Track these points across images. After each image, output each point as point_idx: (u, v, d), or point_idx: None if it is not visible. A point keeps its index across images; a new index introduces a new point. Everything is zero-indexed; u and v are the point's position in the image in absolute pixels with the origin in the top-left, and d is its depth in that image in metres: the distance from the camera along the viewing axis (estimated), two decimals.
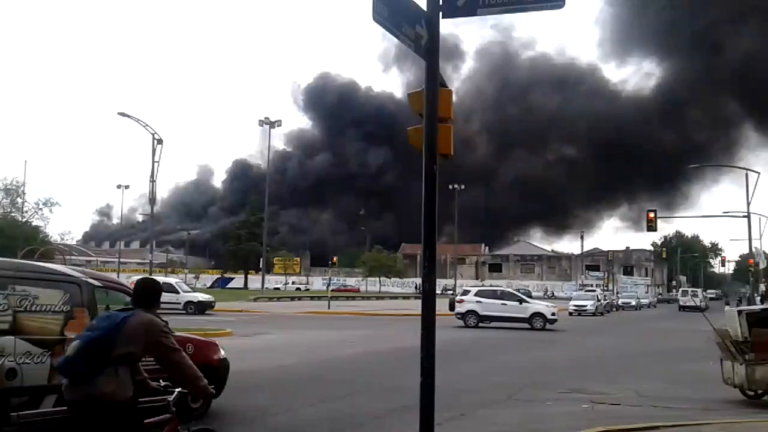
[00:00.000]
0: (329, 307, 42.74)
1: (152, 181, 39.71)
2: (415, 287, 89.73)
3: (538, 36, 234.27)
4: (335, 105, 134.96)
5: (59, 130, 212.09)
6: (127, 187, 77.86)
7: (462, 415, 9.57)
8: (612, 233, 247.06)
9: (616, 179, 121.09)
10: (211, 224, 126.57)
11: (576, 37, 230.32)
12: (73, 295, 7.30)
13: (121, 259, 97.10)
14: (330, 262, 66.08)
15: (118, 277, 49.71)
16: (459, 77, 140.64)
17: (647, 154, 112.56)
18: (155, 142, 38.84)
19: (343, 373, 14.15)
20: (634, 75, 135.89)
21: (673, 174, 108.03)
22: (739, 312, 11.15)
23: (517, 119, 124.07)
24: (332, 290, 56.62)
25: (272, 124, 57.25)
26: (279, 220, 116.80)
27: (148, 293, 4.61)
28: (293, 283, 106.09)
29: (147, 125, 38.87)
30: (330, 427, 8.89)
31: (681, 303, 59.54)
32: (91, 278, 7.77)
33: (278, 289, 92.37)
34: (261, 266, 65.67)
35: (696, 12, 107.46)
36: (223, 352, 9.54)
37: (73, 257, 67.91)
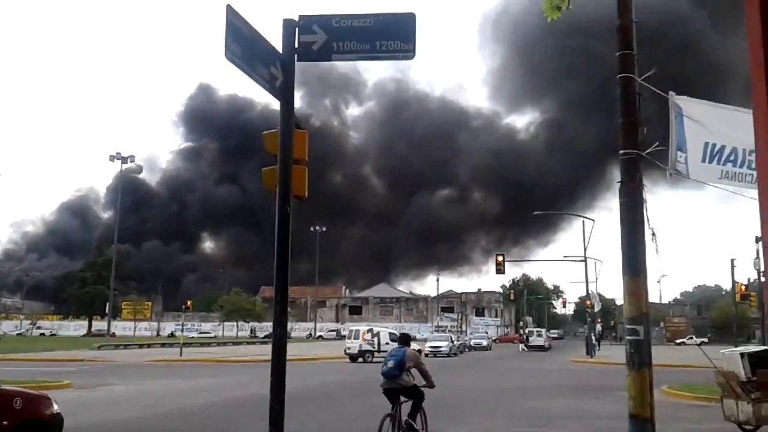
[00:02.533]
0: (182, 355, 40.72)
1: None
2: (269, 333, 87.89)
3: (427, 75, 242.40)
4: (214, 125, 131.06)
5: None
6: None
7: None
8: (464, 276, 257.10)
9: (472, 223, 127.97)
10: (55, 265, 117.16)
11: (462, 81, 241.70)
12: None
13: None
14: (184, 306, 63.12)
15: None
16: (355, 112, 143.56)
17: (509, 199, 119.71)
18: None
19: (193, 423, 13.45)
20: (513, 122, 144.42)
21: (525, 219, 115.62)
22: (742, 354, 11.67)
23: (401, 160, 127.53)
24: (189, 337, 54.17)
25: (124, 160, 54.75)
26: (134, 259, 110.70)
27: None
28: (146, 329, 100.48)
29: None
30: None
31: (527, 342, 63.35)
32: None
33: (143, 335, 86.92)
34: (107, 311, 61.51)
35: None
36: (56, 407, 8.75)
37: None
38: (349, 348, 37.14)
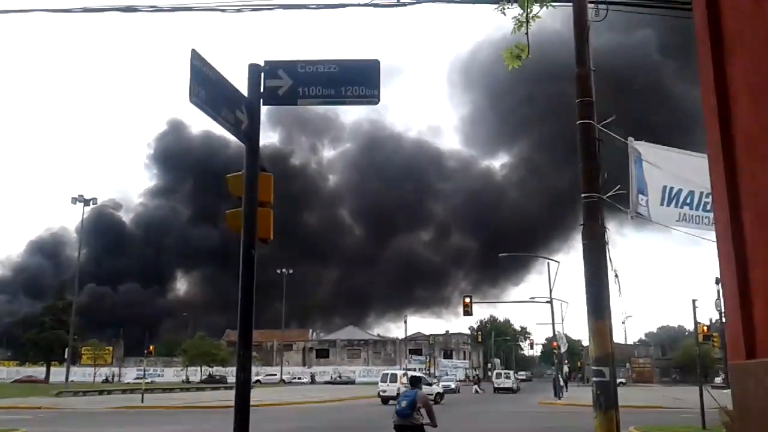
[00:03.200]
0: (143, 401, 39.54)
1: None
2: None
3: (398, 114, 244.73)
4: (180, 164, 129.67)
5: None
6: None
7: None
8: (431, 318, 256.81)
9: (445, 264, 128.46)
10: (24, 307, 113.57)
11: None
12: None
13: None
14: (146, 351, 61.60)
15: None
16: (331, 152, 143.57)
17: (484, 240, 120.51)
18: None
19: None
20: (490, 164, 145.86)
21: (497, 261, 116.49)
22: None
23: (377, 201, 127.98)
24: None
25: (87, 202, 53.89)
26: (102, 301, 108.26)
27: None
28: (105, 377, 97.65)
29: None
30: None
31: (495, 385, 62.48)
32: None
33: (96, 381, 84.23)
34: (66, 357, 59.64)
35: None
36: None
37: None
38: (384, 391, 39.22)
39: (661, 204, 7.68)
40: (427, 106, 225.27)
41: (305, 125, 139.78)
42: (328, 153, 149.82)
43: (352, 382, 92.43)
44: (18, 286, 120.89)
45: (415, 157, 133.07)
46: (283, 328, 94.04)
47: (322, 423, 25.83)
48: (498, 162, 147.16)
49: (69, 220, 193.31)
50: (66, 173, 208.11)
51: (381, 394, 39.24)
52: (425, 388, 30.00)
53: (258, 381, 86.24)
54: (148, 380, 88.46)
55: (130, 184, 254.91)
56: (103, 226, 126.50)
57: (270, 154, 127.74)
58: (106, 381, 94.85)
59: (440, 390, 42.28)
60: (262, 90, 6.33)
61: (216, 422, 25.15)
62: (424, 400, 10.74)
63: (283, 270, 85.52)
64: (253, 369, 6.27)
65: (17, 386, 71.81)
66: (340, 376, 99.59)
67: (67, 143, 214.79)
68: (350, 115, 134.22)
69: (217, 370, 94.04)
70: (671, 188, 7.67)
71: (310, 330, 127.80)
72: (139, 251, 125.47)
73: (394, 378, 39.77)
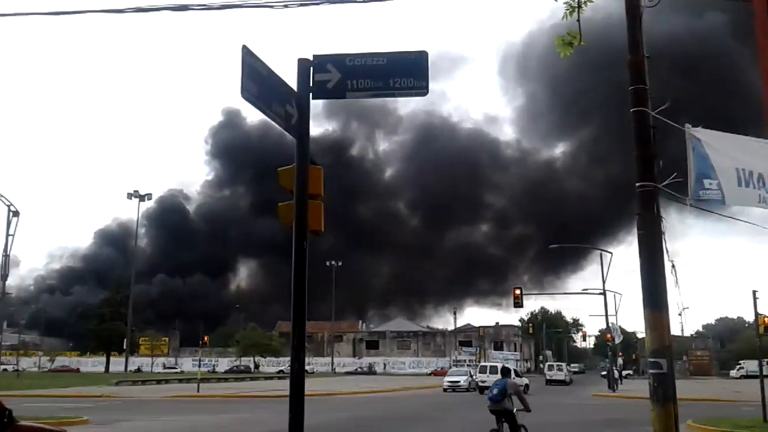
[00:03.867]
0: (199, 390, 40.55)
1: (5, 255, 36.89)
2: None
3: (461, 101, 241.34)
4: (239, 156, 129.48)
5: None
6: None
7: None
8: (482, 309, 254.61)
9: (498, 254, 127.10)
10: (75, 302, 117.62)
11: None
12: None
13: None
14: (201, 342, 63.06)
15: None
16: (387, 143, 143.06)
17: (543, 231, 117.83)
18: (10, 213, 36.34)
19: None
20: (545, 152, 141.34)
21: (555, 252, 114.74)
22: None
23: (433, 192, 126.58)
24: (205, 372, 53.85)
25: (142, 198, 55.39)
26: (154, 293, 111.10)
27: None
28: (164, 366, 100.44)
29: (2, 196, 36.37)
30: None
31: (547, 377, 60.83)
32: None
33: (140, 370, 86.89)
34: (125, 347, 61.57)
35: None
36: None
37: None
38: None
39: (739, 185, 7.42)
40: (483, 95, 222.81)
41: (363, 116, 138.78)
42: (384, 143, 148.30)
43: (373, 373, 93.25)
44: (88, 276, 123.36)
45: (471, 148, 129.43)
46: (333, 320, 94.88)
47: (376, 412, 26.03)
48: (556, 151, 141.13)
49: (135, 212, 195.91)
50: (127, 168, 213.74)
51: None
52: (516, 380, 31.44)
53: (312, 371, 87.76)
54: (204, 369, 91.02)
55: (191, 176, 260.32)
56: (168, 218, 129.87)
57: (328, 144, 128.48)
58: (168, 369, 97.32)
59: (527, 382, 43.45)
60: (311, 84, 6.41)
61: (271, 411, 25.64)
62: (515, 388, 12.34)
63: (332, 262, 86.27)
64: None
65: (77, 375, 74.53)
66: (361, 368, 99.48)
67: (130, 138, 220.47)
68: (407, 105, 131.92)
69: (268, 360, 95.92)
70: (744, 170, 7.42)
71: (360, 321, 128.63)
72: (200, 243, 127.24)
73: (494, 370, 43.62)
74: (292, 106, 6.20)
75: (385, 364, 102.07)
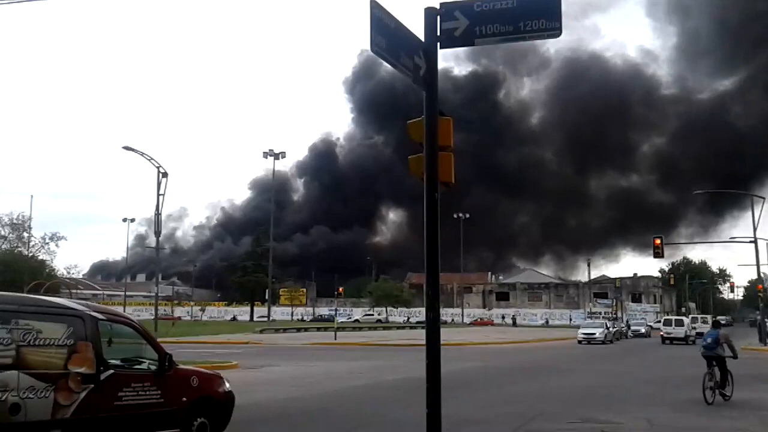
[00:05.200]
0: (336, 338, 42.48)
1: (157, 214, 39.94)
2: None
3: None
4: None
5: (64, 165, 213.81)
6: (132, 220, 78.55)
7: None
8: (619, 260, 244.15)
9: (636, 204, 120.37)
10: (220, 255, 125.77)
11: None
12: (77, 328, 7.30)
13: (127, 293, 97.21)
14: (336, 293, 65.83)
15: (123, 310, 49.81)
16: (532, 84, 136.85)
17: (701, 175, 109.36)
18: (160, 175, 39.14)
19: (349, 405, 14.01)
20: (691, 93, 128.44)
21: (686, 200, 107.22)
22: None
23: (582, 135, 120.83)
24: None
25: (276, 156, 57.68)
26: (293, 244, 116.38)
27: None
28: (301, 315, 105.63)
29: (152, 159, 39.22)
30: None
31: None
32: (95, 312, 7.78)
33: (303, 320, 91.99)
34: (267, 297, 65.47)
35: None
36: (228, 385, 9.49)
37: (79, 291, 67.86)
38: (670, 333, 47.14)
39: None
40: (637, 30, 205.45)
41: (508, 58, 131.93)
42: (530, 85, 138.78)
43: (517, 325, 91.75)
44: (243, 228, 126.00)
45: (625, 87, 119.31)
46: (462, 271, 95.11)
47: (507, 363, 26.10)
48: (720, 88, 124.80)
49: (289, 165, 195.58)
50: (268, 126, 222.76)
51: (668, 335, 46.81)
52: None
53: (452, 320, 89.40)
54: (341, 319, 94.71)
55: (336, 127, 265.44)
56: (320, 167, 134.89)
57: (474, 86, 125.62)
58: (316, 319, 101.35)
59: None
60: (438, 33, 6.30)
61: (403, 359, 26.42)
62: (725, 338, 14.84)
63: (460, 215, 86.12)
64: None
65: (226, 324, 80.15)
66: (408, 319, 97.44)
67: (271, 93, 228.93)
68: (551, 44, 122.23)
69: (400, 311, 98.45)
70: None
71: (490, 273, 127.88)
72: (347, 194, 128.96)
73: (680, 323, 49.15)
74: (420, 57, 6.14)
75: (515, 316, 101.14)
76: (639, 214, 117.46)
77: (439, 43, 6.32)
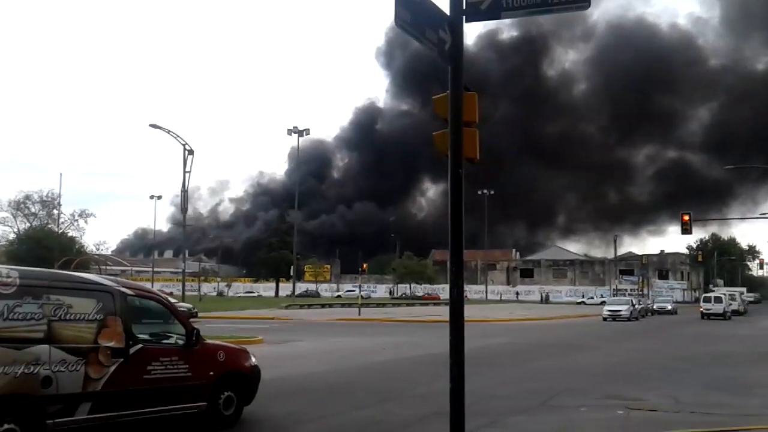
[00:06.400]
0: (360, 314, 42.78)
1: (184, 191, 40.35)
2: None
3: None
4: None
5: (93, 143, 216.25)
6: (159, 197, 79.40)
7: (492, 423, 9.46)
8: (645, 237, 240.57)
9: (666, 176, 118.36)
10: (246, 232, 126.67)
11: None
12: (106, 304, 7.44)
13: (155, 269, 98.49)
14: (360, 269, 66.09)
15: (151, 286, 50.57)
16: (572, 54, 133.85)
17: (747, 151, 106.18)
18: (186, 152, 39.45)
19: (374, 380, 14.13)
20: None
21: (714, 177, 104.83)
22: None
23: (623, 107, 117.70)
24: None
25: (300, 133, 57.65)
26: (313, 223, 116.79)
27: None
28: (337, 293, 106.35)
29: (178, 136, 39.51)
30: None
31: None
32: (124, 287, 7.91)
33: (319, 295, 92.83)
34: (291, 274, 66.04)
35: None
36: (254, 360, 9.61)
37: (108, 267, 69.03)
38: (709, 309, 48.52)
39: None
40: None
41: (552, 28, 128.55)
42: (572, 56, 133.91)
43: (549, 302, 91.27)
44: (282, 200, 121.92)
45: (668, 54, 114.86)
46: (486, 247, 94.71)
47: (531, 339, 26.07)
48: None
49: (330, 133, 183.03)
50: (292, 102, 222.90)
51: (707, 311, 48.38)
52: None
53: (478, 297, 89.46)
54: (365, 295, 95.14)
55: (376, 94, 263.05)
56: (360, 138, 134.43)
57: (518, 54, 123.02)
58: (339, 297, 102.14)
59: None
60: (464, 6, 6.18)
61: (426, 335, 26.53)
62: None
63: (484, 191, 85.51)
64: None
65: (252, 299, 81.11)
66: (405, 294, 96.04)
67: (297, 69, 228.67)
68: (593, 11, 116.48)
69: (424, 288, 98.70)
70: None
71: (514, 250, 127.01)
72: (385, 169, 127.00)
73: (719, 299, 49.98)
74: (446, 31, 6.03)
75: (540, 294, 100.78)
76: (689, 190, 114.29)
77: (464, 17, 6.20)
